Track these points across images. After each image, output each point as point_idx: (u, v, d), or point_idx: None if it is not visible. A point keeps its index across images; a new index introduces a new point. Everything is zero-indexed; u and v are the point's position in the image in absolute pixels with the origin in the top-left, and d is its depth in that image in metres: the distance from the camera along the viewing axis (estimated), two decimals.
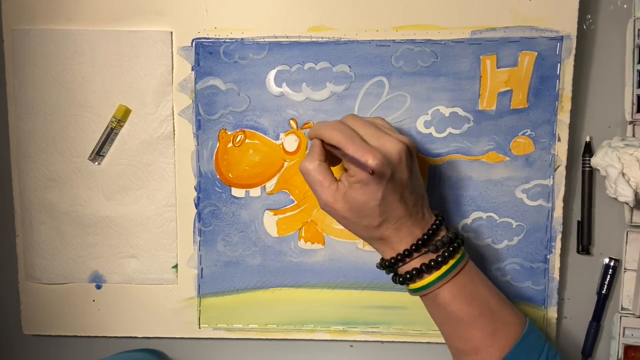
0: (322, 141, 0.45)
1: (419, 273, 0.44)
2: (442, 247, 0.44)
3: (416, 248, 0.44)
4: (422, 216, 0.45)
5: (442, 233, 0.45)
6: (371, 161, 0.41)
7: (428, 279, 0.44)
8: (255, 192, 0.54)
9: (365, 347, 0.57)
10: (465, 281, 0.45)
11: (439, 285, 0.44)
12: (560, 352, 0.48)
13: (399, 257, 0.44)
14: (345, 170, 0.45)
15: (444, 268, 0.44)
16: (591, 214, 0.54)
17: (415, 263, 0.44)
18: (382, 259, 0.47)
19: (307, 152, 0.47)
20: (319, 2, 0.52)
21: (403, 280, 0.45)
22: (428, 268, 0.44)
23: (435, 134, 0.52)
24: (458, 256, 0.45)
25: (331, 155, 0.46)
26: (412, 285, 0.45)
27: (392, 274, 0.46)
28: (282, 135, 0.53)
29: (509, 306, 0.47)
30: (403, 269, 0.45)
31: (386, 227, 0.44)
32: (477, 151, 0.52)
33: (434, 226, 0.45)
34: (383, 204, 0.43)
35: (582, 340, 0.55)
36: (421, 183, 0.46)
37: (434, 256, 0.44)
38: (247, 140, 0.53)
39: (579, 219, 0.54)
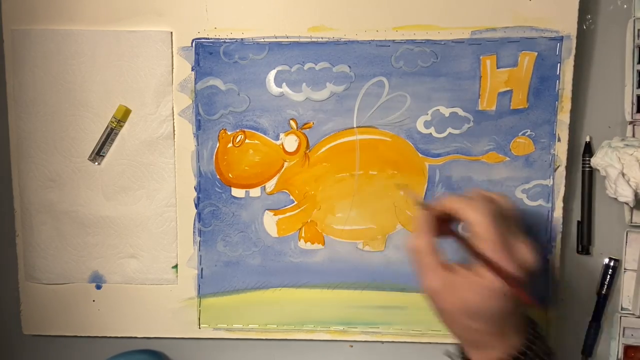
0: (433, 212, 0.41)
1: None
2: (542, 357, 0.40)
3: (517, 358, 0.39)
4: (517, 329, 0.41)
5: (538, 344, 0.41)
6: (511, 272, 0.37)
7: None
8: (255, 192, 0.54)
9: (365, 347, 0.57)
10: None
11: None
12: None
13: None
14: (464, 263, 0.40)
15: None
16: (591, 214, 0.54)
17: None
18: (464, 355, 0.42)
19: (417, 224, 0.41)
20: (319, 2, 0.52)
21: None
22: None
23: (435, 134, 0.52)
24: None
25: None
26: None
27: None
28: (282, 135, 0.53)
29: None
30: None
31: (490, 333, 0.39)
32: (477, 151, 0.52)
33: (530, 336, 0.40)
34: (501, 316, 0.38)
35: (582, 340, 0.55)
36: None
37: None
38: (247, 141, 0.53)
39: (579, 219, 0.54)
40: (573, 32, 0.50)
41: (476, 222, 0.39)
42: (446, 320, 0.42)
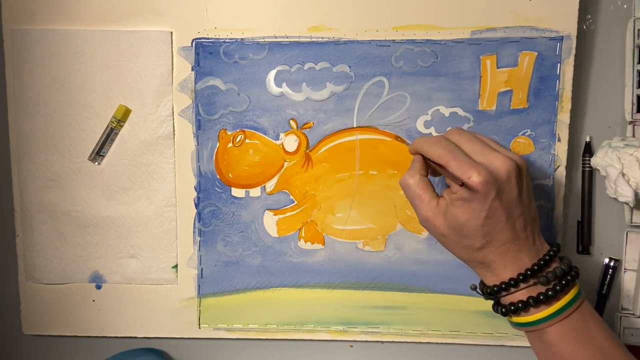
0: (424, 156, 0.44)
1: (525, 306, 0.40)
2: (553, 279, 0.40)
3: (523, 278, 0.40)
4: (533, 242, 0.41)
5: (555, 264, 0.41)
6: (475, 177, 0.38)
7: (536, 315, 0.40)
8: (255, 192, 0.54)
9: (365, 347, 0.57)
10: (577, 323, 0.40)
11: (548, 325, 0.40)
12: None
13: (502, 286, 0.41)
14: (448, 186, 0.43)
15: (556, 305, 0.40)
16: (591, 214, 0.54)
17: (521, 295, 0.40)
18: (483, 283, 0.43)
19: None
20: (319, 2, 0.52)
21: (506, 311, 0.41)
22: (536, 302, 0.40)
23: (435, 134, 0.52)
24: (573, 293, 0.40)
25: (433, 170, 0.44)
26: (516, 319, 0.41)
27: (492, 303, 0.43)
28: (282, 135, 0.53)
29: (626, 355, 0.41)
30: (507, 299, 0.41)
31: (489, 250, 0.40)
32: None
33: (547, 256, 0.41)
34: (486, 224, 0.40)
35: None
36: (533, 206, 0.42)
37: (543, 289, 0.40)
38: (247, 140, 0.53)
39: (579, 219, 0.54)
40: (573, 32, 0.50)
41: (434, 151, 0.42)
42: (448, 246, 0.43)
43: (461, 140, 0.42)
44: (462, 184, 0.39)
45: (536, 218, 0.43)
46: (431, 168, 0.45)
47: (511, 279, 0.40)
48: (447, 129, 0.47)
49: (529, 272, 0.40)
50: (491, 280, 0.42)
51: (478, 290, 0.44)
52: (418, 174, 0.43)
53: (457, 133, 0.44)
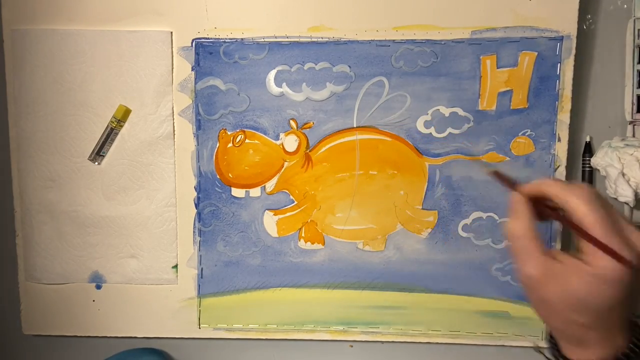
0: (530, 197, 0.38)
1: None
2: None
3: (623, 357, 0.36)
4: (623, 328, 0.37)
5: None
6: (628, 256, 0.33)
7: None
8: (255, 192, 0.54)
9: (365, 347, 0.57)
10: None
11: None
12: None
13: None
14: (576, 249, 0.37)
15: None
16: None
17: None
18: (557, 349, 0.39)
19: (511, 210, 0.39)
20: (319, 2, 0.52)
21: None
22: None
23: (435, 134, 0.52)
24: None
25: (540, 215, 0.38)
26: None
27: None
28: (282, 135, 0.53)
29: None
30: None
31: (595, 330, 0.36)
32: (477, 151, 0.52)
33: (634, 338, 0.37)
34: (610, 309, 0.35)
35: None
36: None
37: None
38: (247, 140, 0.53)
39: None
40: (573, 32, 0.50)
41: (578, 207, 0.35)
42: (546, 312, 0.38)
43: (609, 209, 0.37)
44: (627, 262, 0.34)
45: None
46: (539, 214, 0.38)
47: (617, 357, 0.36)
48: (573, 184, 0.38)
49: (623, 356, 0.36)
50: (579, 356, 0.38)
51: (549, 355, 0.40)
52: (529, 223, 0.37)
53: (596, 195, 0.37)
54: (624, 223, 0.36)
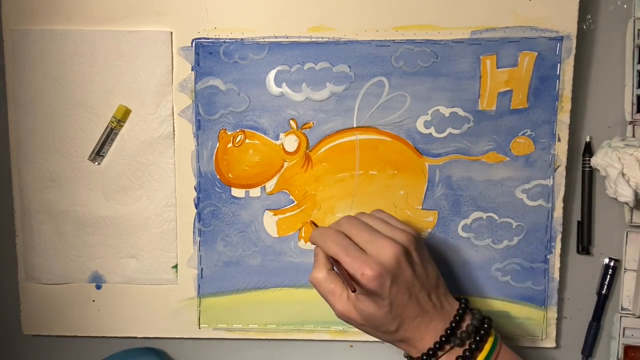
0: None
1: None
2: (467, 338, 0.42)
3: (440, 346, 0.41)
4: (441, 307, 0.43)
5: (467, 322, 0.43)
6: (368, 272, 0.40)
7: None
8: (255, 192, 0.54)
9: (365, 347, 0.57)
10: None
11: None
12: None
13: (424, 357, 0.42)
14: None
15: None
16: (591, 214, 0.54)
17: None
18: (410, 357, 0.44)
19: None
20: (319, 2, 0.52)
21: None
22: None
23: (435, 134, 0.52)
24: (489, 346, 0.42)
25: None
26: None
27: None
28: (282, 135, 0.53)
29: None
30: None
31: (404, 329, 0.42)
32: (477, 151, 0.52)
33: (457, 317, 0.43)
34: (393, 310, 0.41)
35: (582, 340, 0.55)
36: (432, 273, 0.44)
37: (460, 351, 0.41)
38: (247, 141, 0.53)
39: (579, 219, 0.54)
40: (573, 32, 0.50)
41: (325, 248, 0.44)
42: (370, 334, 0.44)
43: (351, 231, 0.44)
44: (354, 290, 0.40)
45: (438, 282, 0.44)
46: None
47: (429, 349, 0.42)
48: (339, 218, 0.47)
49: (443, 339, 0.42)
50: (415, 354, 0.43)
51: None
52: (325, 269, 0.44)
53: (346, 222, 0.45)
54: (367, 236, 0.42)
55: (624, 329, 0.53)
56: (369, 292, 0.41)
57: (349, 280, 0.40)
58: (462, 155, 0.52)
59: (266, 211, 0.54)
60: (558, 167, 0.52)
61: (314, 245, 0.46)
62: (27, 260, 0.55)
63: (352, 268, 0.41)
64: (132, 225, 0.55)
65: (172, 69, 0.53)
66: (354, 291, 0.40)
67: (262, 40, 0.52)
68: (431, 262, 0.45)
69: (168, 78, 0.53)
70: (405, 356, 0.46)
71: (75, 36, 0.52)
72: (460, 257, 0.53)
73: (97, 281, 0.55)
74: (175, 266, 0.55)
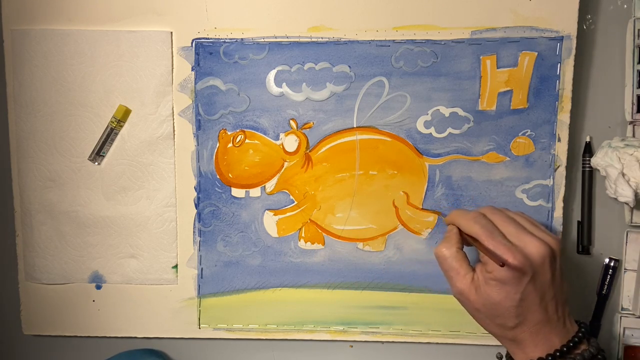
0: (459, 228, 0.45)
1: None
2: None
3: (552, 359, 0.41)
4: (563, 324, 0.42)
5: (584, 346, 0.42)
6: (511, 260, 0.39)
7: None
8: (255, 192, 0.54)
9: (365, 347, 0.57)
10: None
11: None
12: None
13: None
14: (481, 262, 0.43)
15: None
16: (591, 214, 0.54)
17: None
18: (510, 357, 0.44)
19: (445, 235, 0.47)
20: (319, 2, 0.52)
21: None
22: None
23: (435, 134, 0.52)
24: None
25: (467, 242, 0.45)
26: None
27: None
28: (282, 135, 0.53)
29: None
30: None
31: (521, 329, 0.42)
32: (477, 151, 0.52)
33: (576, 338, 0.42)
34: (520, 306, 0.41)
35: None
36: (565, 287, 0.44)
37: None
38: (247, 141, 0.53)
39: (579, 219, 0.54)
40: (573, 32, 0.50)
41: (467, 225, 0.44)
42: (480, 321, 0.44)
43: (496, 220, 0.44)
44: (503, 264, 0.40)
45: (567, 299, 0.44)
46: (465, 240, 0.45)
47: (540, 357, 0.41)
48: (481, 208, 0.47)
49: (558, 354, 0.41)
50: (520, 358, 0.42)
51: None
52: (455, 246, 0.44)
53: (491, 210, 0.45)
54: (513, 229, 0.42)
55: (624, 329, 0.53)
56: (504, 279, 0.40)
57: (497, 255, 0.40)
58: (462, 155, 0.52)
59: (266, 211, 0.54)
60: (558, 167, 0.52)
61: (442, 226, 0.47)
62: (27, 260, 0.55)
63: (496, 252, 0.40)
64: (132, 225, 0.55)
65: (172, 69, 0.53)
66: (502, 265, 0.39)
67: (262, 40, 0.52)
68: (565, 277, 0.44)
69: (168, 78, 0.53)
70: (504, 356, 0.45)
71: (76, 36, 0.52)
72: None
73: (97, 281, 0.55)
74: (176, 266, 0.55)
